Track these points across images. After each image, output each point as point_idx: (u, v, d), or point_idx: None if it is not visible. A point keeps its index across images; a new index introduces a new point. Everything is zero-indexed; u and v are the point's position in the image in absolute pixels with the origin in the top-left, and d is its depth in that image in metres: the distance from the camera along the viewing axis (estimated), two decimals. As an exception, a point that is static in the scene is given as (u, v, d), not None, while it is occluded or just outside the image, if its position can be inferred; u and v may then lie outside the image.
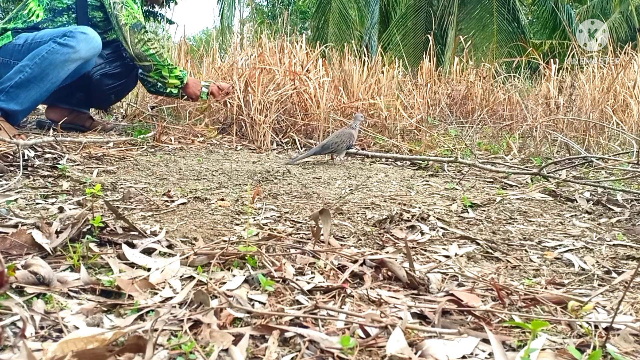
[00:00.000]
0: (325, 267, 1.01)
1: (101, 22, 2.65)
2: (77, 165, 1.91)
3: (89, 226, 1.06)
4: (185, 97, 2.98)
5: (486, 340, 0.74)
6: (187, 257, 1.00)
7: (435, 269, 1.07)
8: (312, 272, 0.99)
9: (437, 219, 1.43)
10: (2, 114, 2.32)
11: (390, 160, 2.63)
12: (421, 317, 0.84)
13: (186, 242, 1.14)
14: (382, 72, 4.26)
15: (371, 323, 0.77)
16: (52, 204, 1.36)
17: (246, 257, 1.01)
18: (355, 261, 1.04)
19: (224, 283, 0.91)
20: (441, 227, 1.37)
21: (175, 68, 2.77)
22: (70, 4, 2.57)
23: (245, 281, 0.92)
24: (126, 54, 2.70)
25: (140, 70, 2.86)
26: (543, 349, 0.73)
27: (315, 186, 1.86)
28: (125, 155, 2.20)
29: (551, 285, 1.02)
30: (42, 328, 0.72)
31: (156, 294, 0.86)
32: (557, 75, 4.15)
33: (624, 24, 11.32)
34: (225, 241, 1.12)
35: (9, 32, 2.49)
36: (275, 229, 1.27)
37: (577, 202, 1.75)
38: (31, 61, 2.36)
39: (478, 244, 1.26)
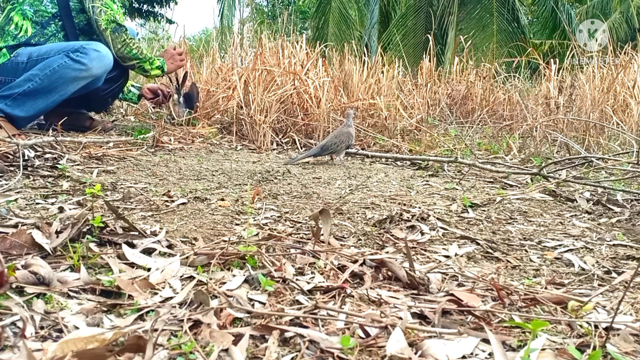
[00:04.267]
0: (325, 267, 1.01)
1: (87, 25, 2.64)
2: (77, 165, 1.91)
3: (89, 226, 1.06)
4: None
5: (486, 340, 0.74)
6: (187, 257, 1.01)
7: (435, 269, 1.07)
8: (312, 272, 0.99)
9: (437, 219, 1.43)
10: (5, 118, 2.32)
11: (390, 160, 2.63)
12: (421, 317, 0.84)
13: (186, 242, 1.14)
14: (382, 72, 4.26)
15: (371, 323, 0.77)
16: (52, 204, 1.36)
17: (246, 257, 1.01)
18: (355, 261, 1.04)
19: (224, 283, 0.91)
20: (441, 227, 1.37)
21: (154, 59, 2.76)
22: (55, 12, 2.55)
23: (245, 281, 0.92)
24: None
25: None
26: (543, 349, 0.73)
27: (315, 186, 1.86)
28: (125, 155, 2.20)
29: (551, 285, 1.02)
30: (42, 328, 0.72)
31: (156, 294, 0.86)
32: (557, 75, 4.15)
33: (624, 24, 11.32)
34: (225, 241, 1.12)
35: (5, 50, 2.46)
36: (275, 229, 1.27)
37: (577, 202, 1.75)
38: (41, 72, 2.36)
39: (478, 244, 1.26)
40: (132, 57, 2.64)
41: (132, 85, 3.12)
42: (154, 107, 3.37)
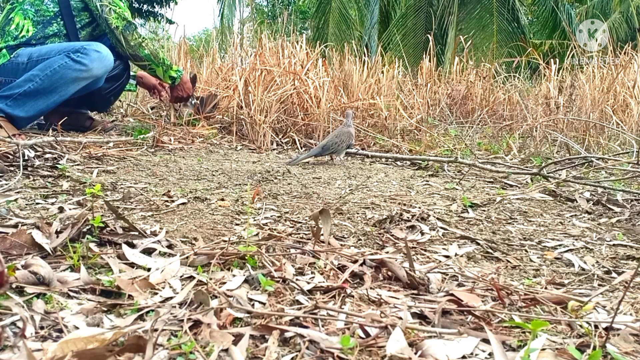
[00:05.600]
0: (325, 267, 1.01)
1: (88, 22, 2.63)
2: (77, 165, 1.91)
3: (89, 226, 1.06)
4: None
5: (486, 340, 0.74)
6: (187, 257, 1.01)
7: (435, 269, 1.07)
8: (312, 272, 0.99)
9: (437, 219, 1.43)
10: (6, 118, 2.32)
11: (390, 160, 2.63)
12: (421, 317, 0.84)
13: (186, 242, 1.14)
14: (382, 72, 4.26)
15: (371, 323, 0.77)
16: (52, 204, 1.36)
17: (246, 257, 1.01)
18: (355, 261, 1.04)
19: (224, 283, 0.91)
20: (441, 227, 1.37)
21: (171, 68, 2.76)
22: (57, 11, 2.54)
23: (245, 281, 0.92)
24: (120, 52, 2.70)
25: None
26: (543, 349, 0.73)
27: (315, 186, 1.86)
28: (125, 155, 2.20)
29: (551, 285, 1.02)
30: (42, 328, 0.72)
31: (156, 294, 0.86)
32: (557, 75, 4.15)
33: (624, 24, 11.32)
34: (225, 241, 1.12)
35: (4, 51, 2.46)
36: (275, 229, 1.27)
37: (577, 202, 1.75)
38: (42, 72, 2.36)
39: (478, 244, 1.26)
40: (145, 58, 2.64)
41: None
42: (151, 96, 3.31)
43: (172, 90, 2.92)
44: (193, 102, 3.11)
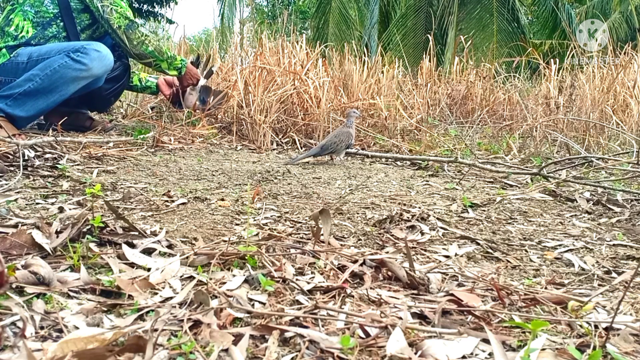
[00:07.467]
0: (325, 267, 1.01)
1: (89, 24, 2.64)
2: (77, 165, 1.91)
3: (89, 226, 1.06)
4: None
5: (486, 340, 0.74)
6: (187, 257, 1.01)
7: (435, 269, 1.07)
8: (312, 272, 0.99)
9: (437, 219, 1.43)
10: (6, 118, 2.32)
11: (390, 160, 2.63)
12: (421, 317, 0.84)
13: (186, 242, 1.14)
14: (382, 72, 4.26)
15: (371, 323, 0.77)
16: (52, 204, 1.36)
17: (246, 257, 1.01)
18: (355, 261, 1.04)
19: (224, 283, 0.91)
20: (441, 227, 1.37)
21: (175, 59, 2.77)
22: (56, 12, 2.55)
23: (245, 281, 0.92)
24: (122, 52, 2.70)
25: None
26: (543, 349, 0.73)
27: (315, 186, 1.86)
28: (125, 155, 2.20)
29: (551, 285, 1.02)
30: (42, 328, 0.72)
31: (156, 294, 0.86)
32: (557, 75, 4.15)
33: (624, 24, 11.31)
34: (225, 241, 1.12)
35: (4, 50, 2.46)
36: (275, 229, 1.27)
37: (577, 202, 1.75)
38: (42, 71, 2.36)
39: (478, 244, 1.26)
40: (149, 55, 2.64)
41: (150, 76, 3.12)
42: (170, 102, 3.30)
43: (181, 81, 2.93)
44: (203, 83, 3.06)
